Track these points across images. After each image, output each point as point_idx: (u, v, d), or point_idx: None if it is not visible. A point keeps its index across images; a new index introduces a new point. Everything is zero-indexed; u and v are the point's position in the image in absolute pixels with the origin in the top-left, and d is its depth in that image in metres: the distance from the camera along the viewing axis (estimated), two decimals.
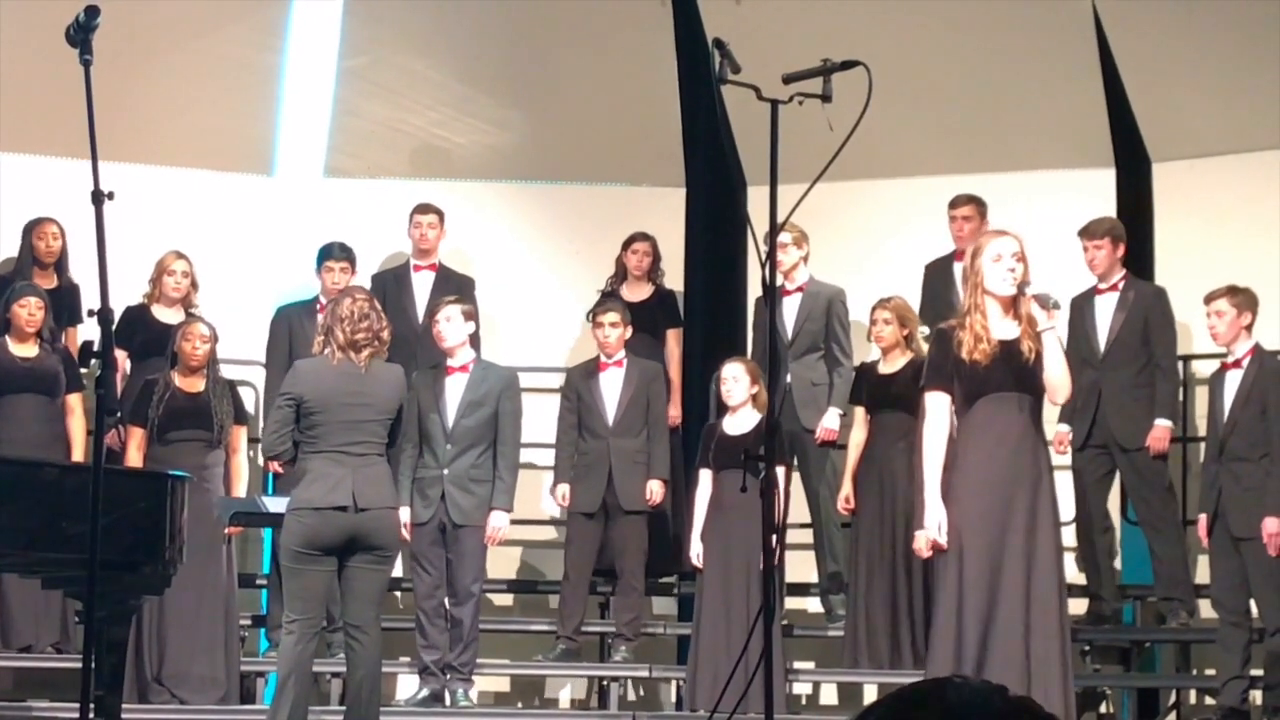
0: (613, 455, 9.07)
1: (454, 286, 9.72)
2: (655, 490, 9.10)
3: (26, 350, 8.86)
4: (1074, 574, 9.50)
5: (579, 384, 9.23)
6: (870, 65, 5.65)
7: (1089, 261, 9.09)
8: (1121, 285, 9.08)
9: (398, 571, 9.56)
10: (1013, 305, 6.66)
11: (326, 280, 9.49)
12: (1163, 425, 8.89)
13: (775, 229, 5.88)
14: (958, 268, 9.53)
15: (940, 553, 6.73)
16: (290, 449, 7.25)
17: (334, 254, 9.57)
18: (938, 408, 6.75)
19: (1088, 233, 9.11)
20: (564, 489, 9.18)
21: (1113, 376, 8.97)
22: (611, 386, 9.17)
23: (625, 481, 9.05)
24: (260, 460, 9.44)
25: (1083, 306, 9.13)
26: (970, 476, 6.63)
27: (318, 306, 9.43)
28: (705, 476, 8.70)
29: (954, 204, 9.55)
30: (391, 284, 9.91)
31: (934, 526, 6.65)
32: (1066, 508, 9.58)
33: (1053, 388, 6.67)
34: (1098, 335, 9.05)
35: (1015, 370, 6.61)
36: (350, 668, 7.32)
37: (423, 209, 9.97)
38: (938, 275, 9.58)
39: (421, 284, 9.87)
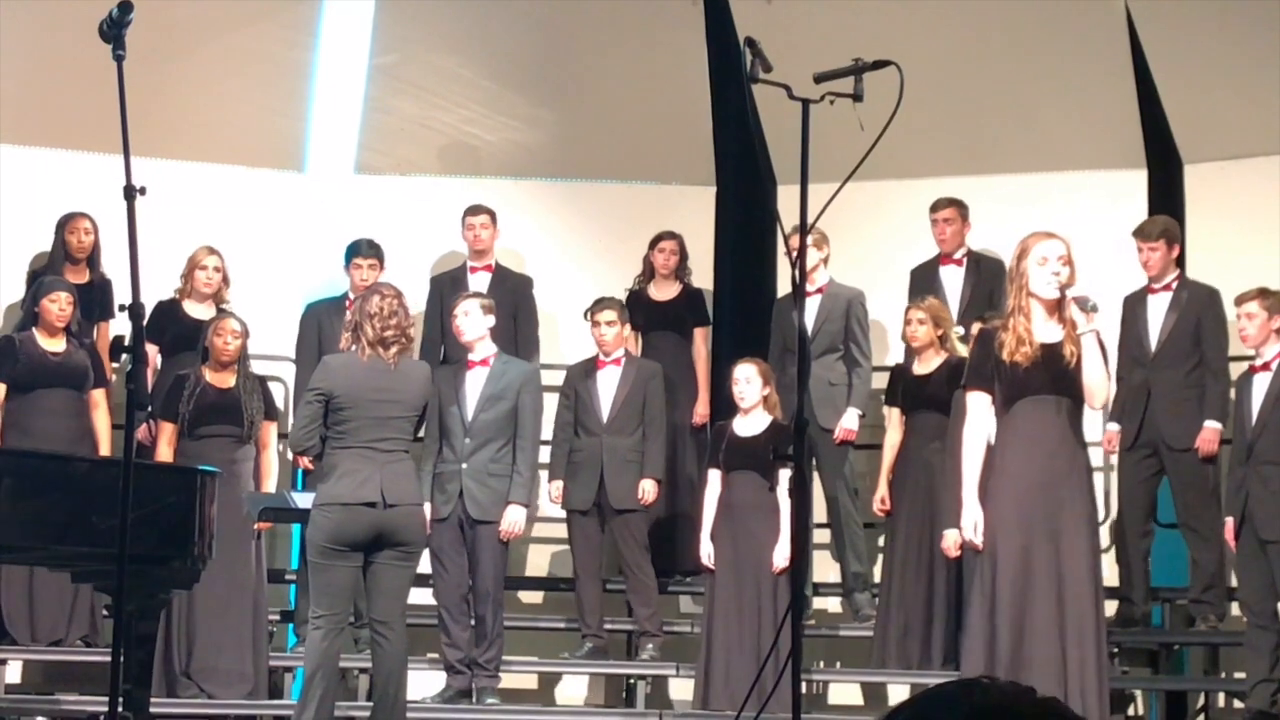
0: (605, 453, 9.08)
1: (510, 285, 9.76)
2: (648, 490, 9.09)
3: (55, 345, 8.89)
4: (1109, 575, 9.50)
5: (577, 382, 9.25)
6: (902, 65, 5.65)
7: (1144, 263, 9.04)
8: (1175, 285, 9.03)
9: (423, 568, 9.60)
10: (1057, 308, 6.63)
11: (355, 277, 9.51)
12: (1212, 427, 8.84)
13: (805, 228, 5.88)
14: (943, 271, 9.54)
15: (975, 554, 6.72)
16: (318, 444, 7.29)
17: (362, 251, 9.59)
18: (978, 408, 6.74)
19: (1142, 234, 9.06)
20: (557, 486, 9.19)
21: (1162, 376, 8.93)
22: (608, 384, 9.18)
23: (616, 480, 9.05)
24: (290, 455, 9.46)
25: (1135, 306, 9.09)
26: (1007, 478, 6.62)
27: (347, 303, 9.45)
28: (714, 477, 8.70)
29: (935, 207, 9.56)
30: (449, 286, 9.92)
31: (970, 527, 6.65)
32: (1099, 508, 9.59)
33: (1090, 392, 6.64)
34: (1149, 335, 9.01)
35: (1056, 373, 6.58)
36: (376, 665, 7.34)
37: (474, 210, 9.98)
38: (923, 279, 9.57)
39: (478, 285, 9.85)
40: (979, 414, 6.73)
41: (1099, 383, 6.64)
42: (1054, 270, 6.59)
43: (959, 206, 9.53)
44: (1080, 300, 6.56)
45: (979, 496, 6.66)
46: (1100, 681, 6.60)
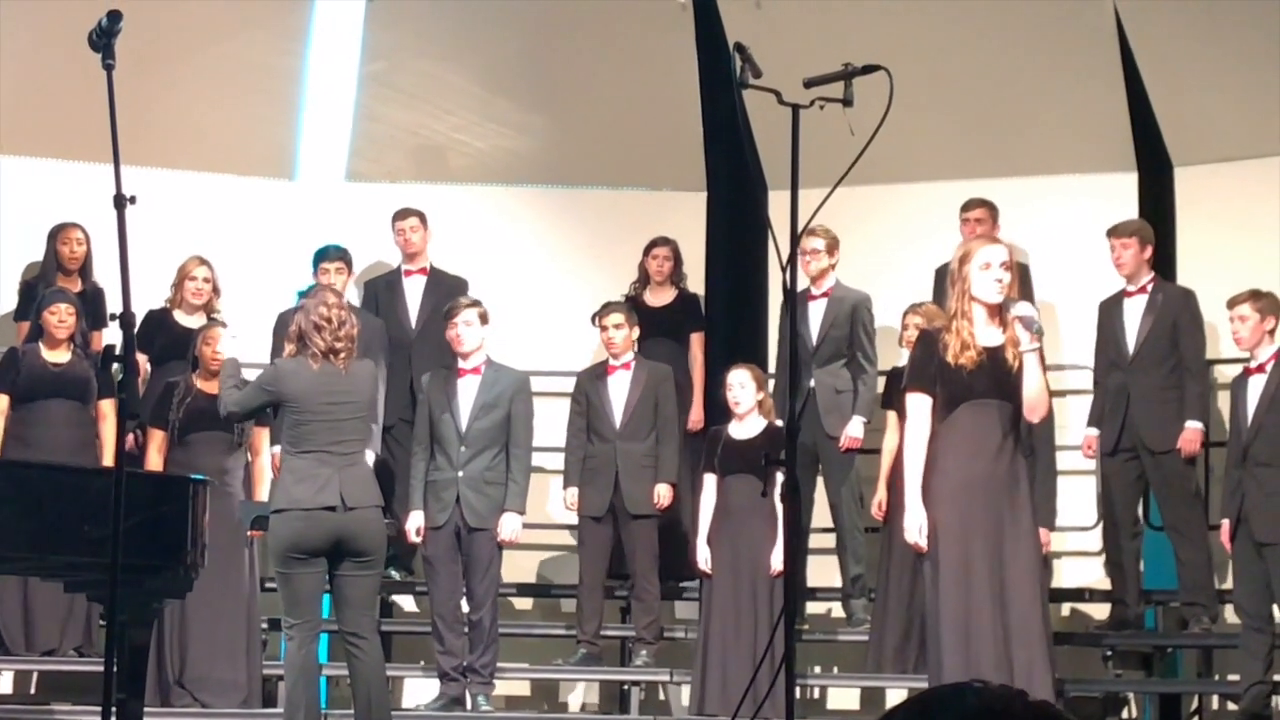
0: (619, 459, 9.07)
1: (446, 288, 9.72)
2: (663, 494, 9.08)
3: (58, 356, 8.87)
4: (1099, 579, 9.50)
5: (587, 387, 9.23)
6: (892, 69, 5.65)
7: (1115, 260, 9.06)
8: (1150, 288, 9.05)
9: (418, 576, 9.58)
10: (998, 313, 6.67)
11: (322, 281, 9.47)
12: (1193, 427, 8.85)
13: (796, 234, 5.88)
14: None
15: (922, 558, 6.74)
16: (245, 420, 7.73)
17: (329, 255, 9.56)
18: (918, 410, 6.76)
19: (1115, 232, 9.09)
20: (573, 493, 9.18)
21: (1141, 379, 8.95)
22: (619, 389, 9.17)
23: (632, 485, 9.04)
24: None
25: (1111, 309, 9.11)
26: (947, 482, 6.64)
27: None
28: (710, 482, 8.70)
29: (966, 207, 9.55)
30: (384, 291, 9.93)
31: (914, 530, 6.66)
32: (1088, 512, 9.59)
33: (1029, 405, 6.68)
34: (1126, 338, 9.03)
35: (998, 378, 6.62)
36: (354, 676, 7.31)
37: (401, 214, 9.96)
38: (948, 279, 9.54)
39: (413, 289, 9.89)
40: (920, 416, 6.75)
41: (1038, 396, 6.67)
42: (997, 277, 6.64)
43: (989, 207, 9.49)
44: (1026, 321, 6.58)
45: (922, 499, 6.68)
46: (1050, 684, 6.61)
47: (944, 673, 6.51)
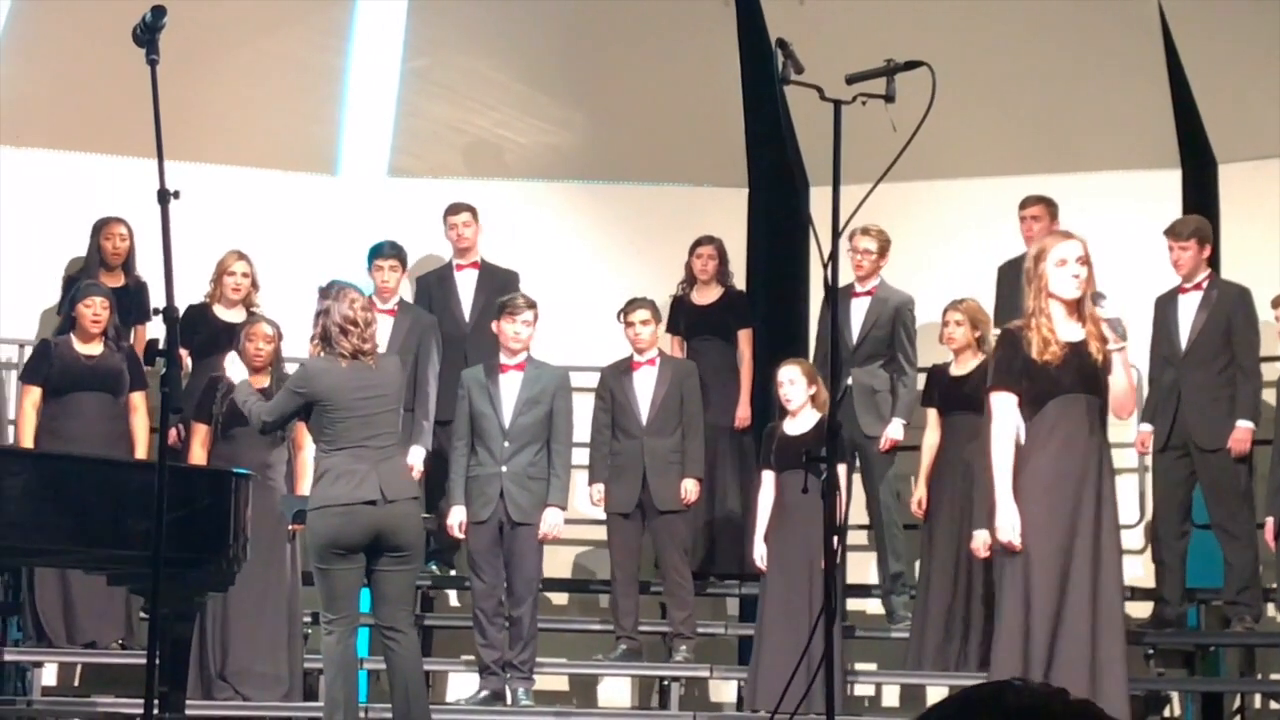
0: (646, 455, 9.07)
1: (499, 282, 9.76)
2: (690, 489, 9.09)
3: (91, 348, 8.92)
4: (1141, 576, 9.46)
5: (612, 383, 9.24)
6: (934, 65, 5.64)
7: (1174, 262, 8.98)
8: (1205, 284, 8.98)
9: (460, 571, 9.61)
10: (1077, 307, 6.63)
11: (377, 278, 9.51)
12: (1244, 426, 8.78)
13: (837, 230, 5.87)
14: None
15: (1008, 555, 6.68)
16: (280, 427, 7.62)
17: (384, 252, 9.60)
18: (1005, 408, 6.72)
19: (1173, 233, 9.00)
20: (599, 488, 9.19)
21: (1193, 376, 8.87)
22: (645, 385, 9.17)
23: (659, 482, 9.05)
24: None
25: (1165, 305, 9.05)
26: (1038, 479, 6.60)
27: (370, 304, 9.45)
28: (767, 478, 8.69)
29: (1023, 204, 9.49)
30: (436, 286, 9.95)
31: (1008, 528, 6.60)
32: (1130, 510, 9.56)
33: (1118, 403, 6.65)
34: (1179, 334, 8.96)
35: (1085, 372, 6.58)
36: (391, 671, 7.32)
37: (454, 209, 9.97)
38: (1011, 276, 9.49)
39: (465, 283, 9.92)
40: (1007, 414, 6.72)
41: (1128, 396, 6.67)
42: (1074, 273, 6.59)
43: (1047, 204, 9.42)
44: (1113, 323, 6.55)
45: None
46: (1124, 680, 6.60)
47: (1030, 668, 6.46)
